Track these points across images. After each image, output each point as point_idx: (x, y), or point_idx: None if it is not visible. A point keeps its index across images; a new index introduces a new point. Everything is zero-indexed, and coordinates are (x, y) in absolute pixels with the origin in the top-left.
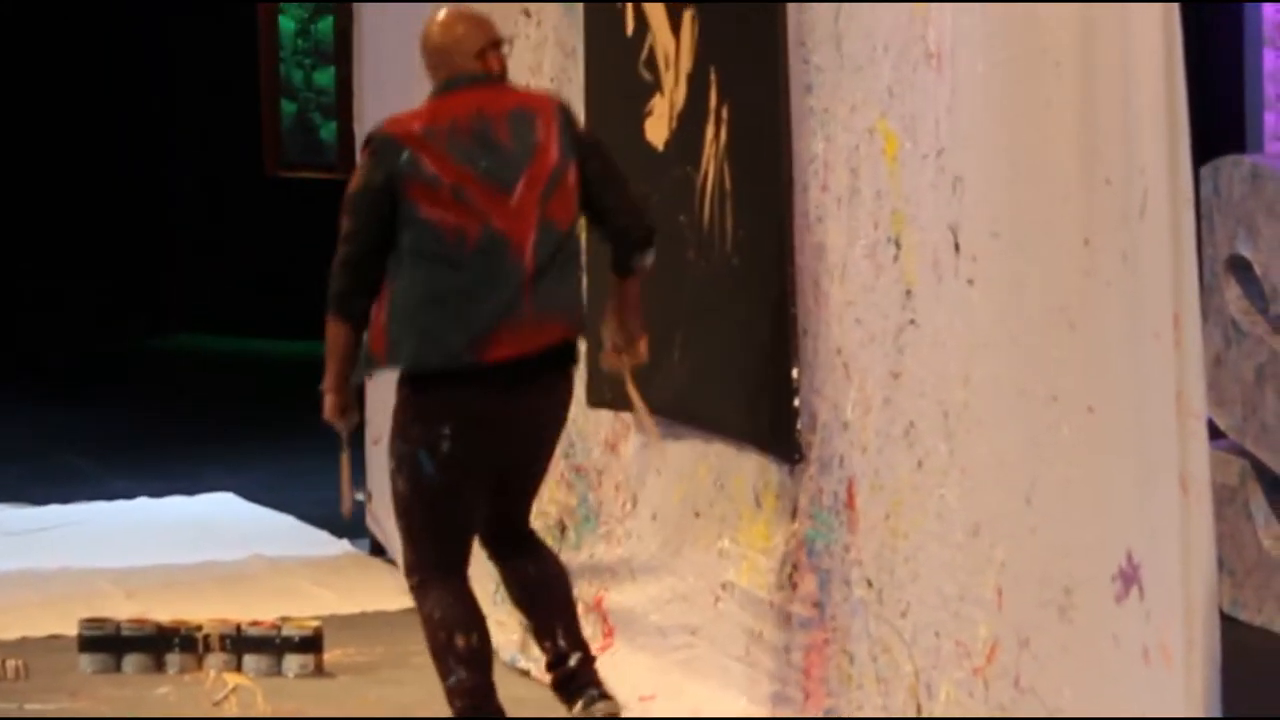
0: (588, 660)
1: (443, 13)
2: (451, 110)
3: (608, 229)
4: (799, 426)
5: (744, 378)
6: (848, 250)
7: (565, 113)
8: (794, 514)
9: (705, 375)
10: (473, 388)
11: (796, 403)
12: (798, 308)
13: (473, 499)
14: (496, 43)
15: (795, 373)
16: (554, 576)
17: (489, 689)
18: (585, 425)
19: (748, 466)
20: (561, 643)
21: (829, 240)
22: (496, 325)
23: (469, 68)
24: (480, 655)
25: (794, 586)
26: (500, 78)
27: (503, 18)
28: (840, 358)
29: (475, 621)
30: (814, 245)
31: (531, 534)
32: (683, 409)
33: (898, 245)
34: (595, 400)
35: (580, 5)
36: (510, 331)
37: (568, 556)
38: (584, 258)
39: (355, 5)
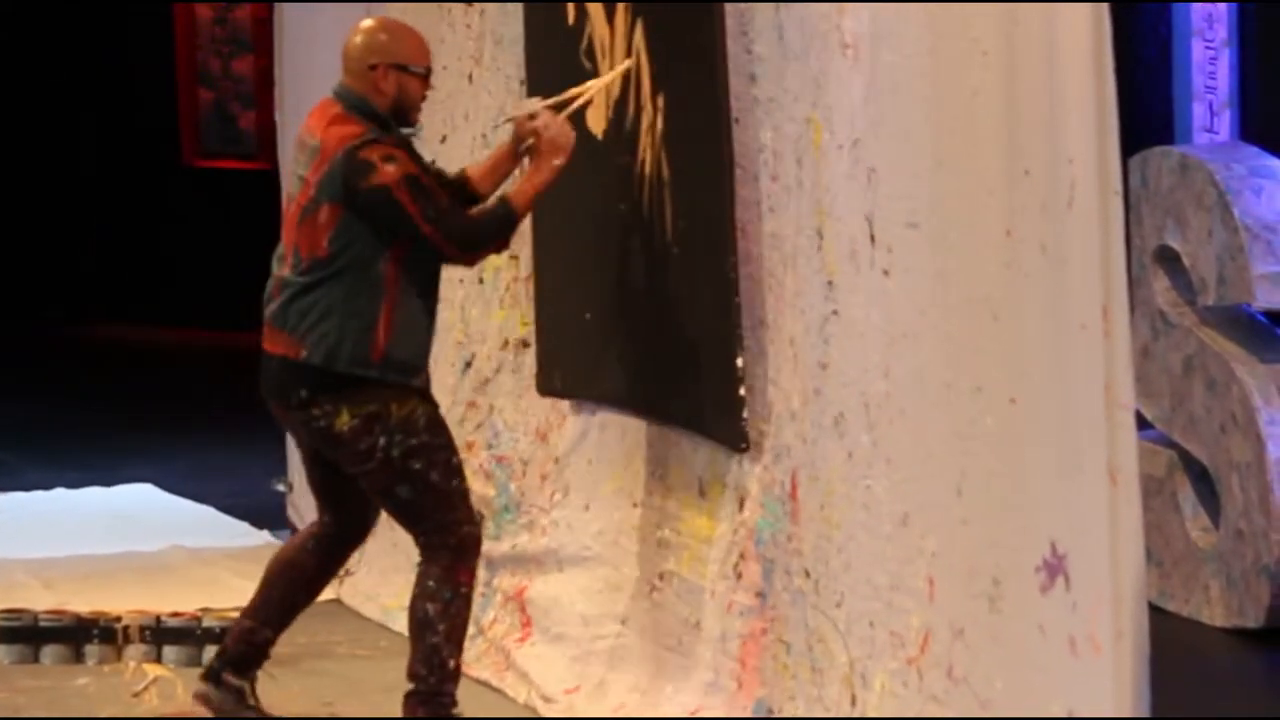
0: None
1: (370, 19)
2: (308, 117)
3: None
4: (746, 415)
5: (690, 367)
6: (795, 239)
7: (344, 163)
8: (742, 504)
9: (650, 365)
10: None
11: (742, 391)
12: (753, 296)
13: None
14: (393, 66)
15: (740, 361)
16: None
17: None
18: (513, 416)
19: (691, 457)
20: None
21: (781, 229)
22: (265, 315)
23: (343, 78)
24: None
25: (738, 576)
26: (358, 103)
27: (440, 7)
28: (791, 348)
29: None
30: (767, 235)
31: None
32: (628, 398)
33: (820, 236)
34: (545, 389)
35: None
36: (266, 325)
37: (487, 547)
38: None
39: None
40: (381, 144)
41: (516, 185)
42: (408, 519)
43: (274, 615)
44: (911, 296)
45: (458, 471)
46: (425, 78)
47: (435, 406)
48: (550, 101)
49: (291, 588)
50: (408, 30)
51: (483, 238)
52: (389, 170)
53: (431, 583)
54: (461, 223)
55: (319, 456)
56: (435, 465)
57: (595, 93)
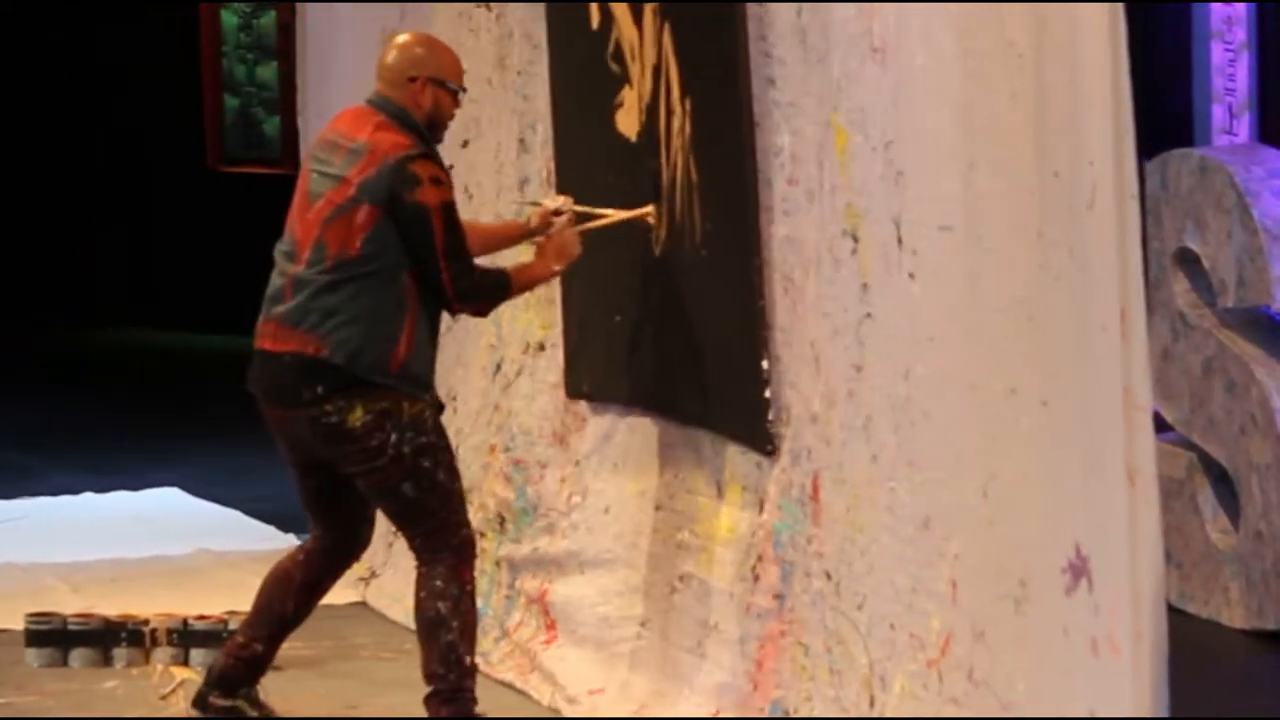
0: (429, 695)
1: (407, 34)
2: (336, 121)
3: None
4: (770, 418)
5: (716, 370)
6: (817, 243)
7: (395, 170)
8: (761, 506)
9: (677, 368)
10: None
11: (767, 394)
12: (768, 300)
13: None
14: (431, 80)
15: (765, 364)
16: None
17: None
18: (528, 420)
19: (711, 459)
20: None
21: (800, 234)
22: (266, 315)
23: (379, 89)
24: None
25: (756, 578)
26: (399, 114)
27: (460, 11)
28: (812, 350)
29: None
30: (783, 239)
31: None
32: (654, 400)
33: (855, 239)
34: (573, 392)
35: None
36: (272, 324)
37: (508, 550)
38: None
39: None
40: (433, 162)
41: (519, 267)
42: (411, 517)
43: (263, 629)
44: (939, 299)
45: (458, 474)
46: (456, 95)
47: (440, 410)
48: (580, 209)
49: (280, 600)
50: (444, 47)
51: (480, 295)
52: (434, 192)
53: (439, 582)
54: (471, 271)
55: (312, 466)
56: (441, 465)
57: (618, 220)
